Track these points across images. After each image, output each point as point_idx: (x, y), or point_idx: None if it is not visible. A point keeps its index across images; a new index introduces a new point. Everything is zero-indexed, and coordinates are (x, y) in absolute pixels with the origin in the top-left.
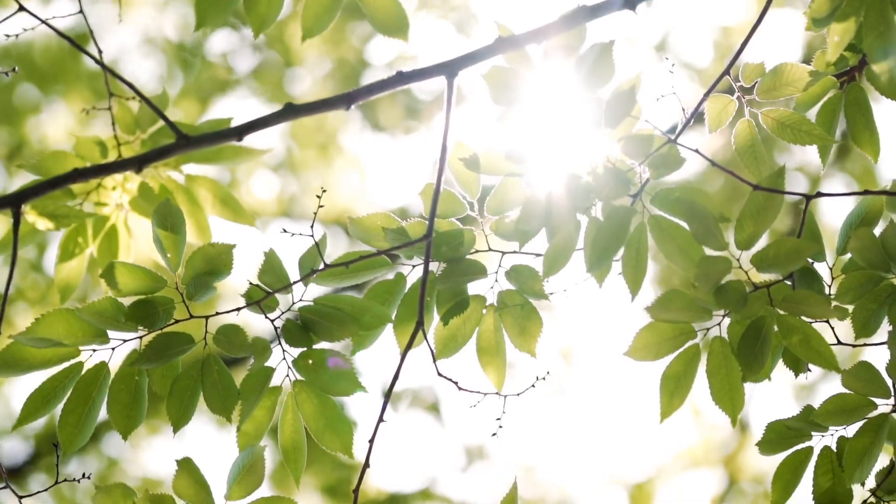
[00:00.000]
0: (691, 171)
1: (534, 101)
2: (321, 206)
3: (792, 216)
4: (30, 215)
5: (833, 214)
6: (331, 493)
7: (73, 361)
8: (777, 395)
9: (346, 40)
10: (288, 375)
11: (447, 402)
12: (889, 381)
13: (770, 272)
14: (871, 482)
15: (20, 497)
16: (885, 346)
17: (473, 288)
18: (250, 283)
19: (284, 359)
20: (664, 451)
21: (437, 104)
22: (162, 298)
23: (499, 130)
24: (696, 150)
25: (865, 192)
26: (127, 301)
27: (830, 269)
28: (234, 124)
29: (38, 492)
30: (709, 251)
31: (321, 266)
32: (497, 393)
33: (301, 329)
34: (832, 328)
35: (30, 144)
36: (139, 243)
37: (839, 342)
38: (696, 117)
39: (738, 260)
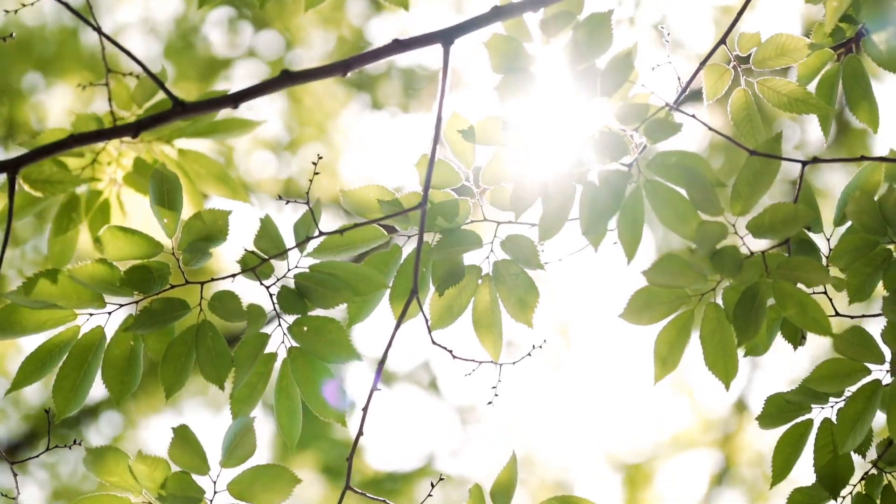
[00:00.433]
0: (689, 148)
1: (532, 69)
2: (317, 173)
3: (791, 198)
4: (25, 184)
5: (831, 197)
6: (329, 473)
7: (69, 325)
8: (778, 383)
9: (345, 20)
10: (283, 342)
11: (444, 379)
12: (884, 347)
13: (766, 238)
14: (872, 454)
15: (12, 463)
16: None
17: (469, 258)
18: (245, 250)
19: (280, 325)
20: (662, 433)
21: (436, 83)
22: (158, 264)
23: (497, 99)
24: (693, 116)
25: (862, 158)
26: (123, 266)
27: (828, 240)
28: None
29: (30, 458)
30: (705, 217)
31: (315, 233)
32: (492, 361)
33: (296, 296)
34: (830, 300)
35: (28, 125)
36: (133, 219)
37: (837, 314)
38: (694, 95)
39: (733, 226)
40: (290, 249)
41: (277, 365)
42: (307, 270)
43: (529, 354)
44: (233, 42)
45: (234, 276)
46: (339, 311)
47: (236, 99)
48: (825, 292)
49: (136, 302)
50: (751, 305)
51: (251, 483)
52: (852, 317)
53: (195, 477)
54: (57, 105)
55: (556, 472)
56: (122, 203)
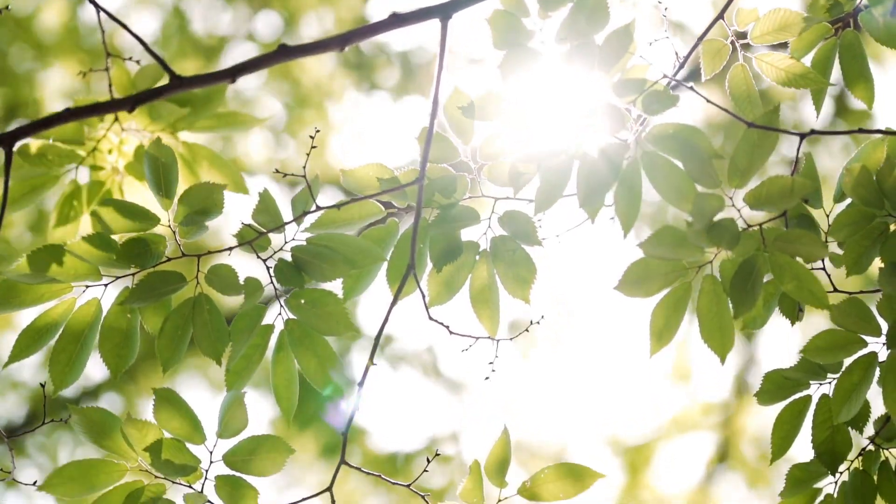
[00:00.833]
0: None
1: (532, 45)
2: (314, 147)
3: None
4: (22, 159)
5: (831, 178)
6: (330, 453)
7: (65, 298)
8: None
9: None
10: (280, 315)
11: (445, 360)
12: (880, 320)
13: (763, 210)
14: (870, 430)
15: (7, 437)
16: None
17: (467, 234)
18: (243, 223)
19: (277, 298)
20: (662, 414)
21: (434, 65)
22: (154, 237)
23: (497, 76)
24: (691, 87)
25: (860, 131)
26: (120, 240)
27: (828, 216)
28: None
29: (26, 431)
30: (702, 189)
31: (313, 207)
32: (488, 337)
33: (293, 269)
34: (828, 275)
35: (26, 107)
36: None
37: (835, 289)
38: (693, 75)
39: (731, 199)
40: (287, 223)
41: (274, 338)
42: (304, 244)
43: (527, 330)
44: (231, 24)
45: (230, 248)
46: (337, 287)
47: (234, 73)
48: (823, 268)
49: (133, 275)
50: (748, 278)
51: (247, 454)
52: (850, 293)
53: (191, 447)
54: (56, 90)
55: (555, 452)
56: (123, 192)
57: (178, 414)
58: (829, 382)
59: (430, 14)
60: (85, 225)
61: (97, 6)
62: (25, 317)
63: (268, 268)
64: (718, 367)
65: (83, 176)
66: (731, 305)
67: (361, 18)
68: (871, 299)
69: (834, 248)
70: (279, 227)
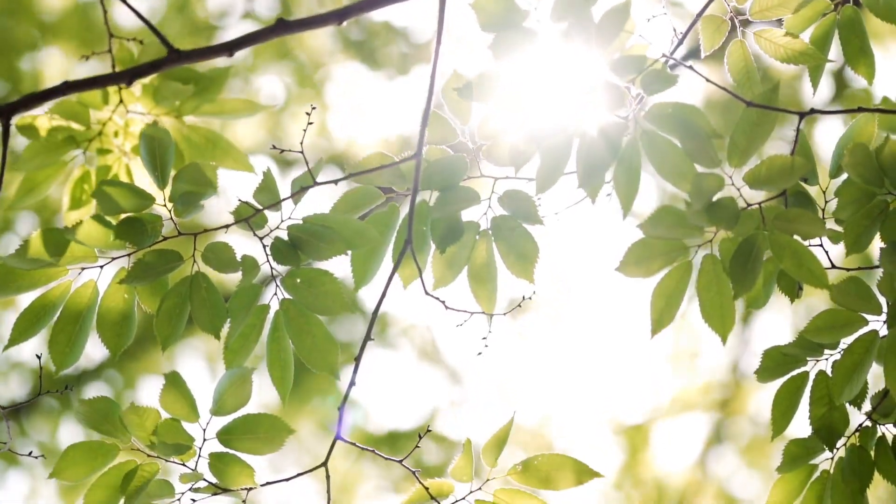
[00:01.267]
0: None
1: (526, 24)
2: (310, 123)
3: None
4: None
5: (827, 149)
6: (329, 430)
7: (61, 281)
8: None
9: None
10: (276, 294)
11: (444, 342)
12: (881, 298)
13: (763, 189)
14: (867, 406)
15: (4, 410)
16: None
17: (467, 215)
18: (240, 200)
19: (273, 277)
20: (660, 394)
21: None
22: (150, 216)
23: (489, 57)
24: (691, 67)
25: (859, 110)
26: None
27: (824, 192)
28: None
29: (21, 404)
30: (701, 168)
31: (311, 184)
32: (483, 312)
33: (289, 247)
34: (826, 252)
35: (28, 84)
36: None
37: (833, 266)
38: (691, 55)
39: (730, 178)
40: (284, 199)
41: (270, 318)
42: (300, 222)
43: (520, 305)
44: (229, 3)
45: (227, 226)
46: (333, 266)
47: (232, 47)
48: (821, 245)
49: (129, 255)
50: (748, 257)
51: (242, 432)
52: (848, 269)
53: (185, 425)
54: (58, 72)
55: (554, 432)
56: (130, 173)
57: (180, 396)
58: (827, 358)
59: None
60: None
61: None
62: (25, 299)
63: (264, 246)
64: (717, 347)
65: (91, 160)
66: (730, 285)
67: None
68: (865, 275)
69: (831, 224)
70: (276, 203)
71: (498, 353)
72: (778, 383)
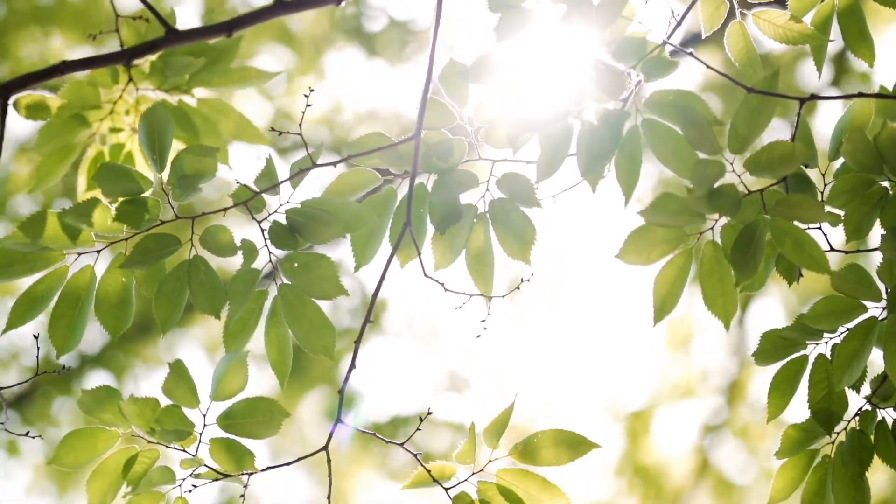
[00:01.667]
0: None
1: (526, 6)
2: (309, 105)
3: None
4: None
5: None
6: (331, 417)
7: (58, 265)
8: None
9: None
10: (274, 279)
11: (444, 327)
12: (881, 285)
13: (763, 176)
14: (866, 389)
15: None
16: (878, 252)
17: (465, 198)
18: (238, 183)
19: (271, 261)
20: (659, 380)
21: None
22: (147, 199)
23: (493, 38)
24: (691, 53)
25: (860, 95)
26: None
27: (823, 175)
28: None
29: (17, 384)
30: (702, 156)
31: (309, 166)
32: (482, 294)
33: (287, 231)
34: (825, 235)
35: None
36: None
37: (832, 249)
38: (691, 41)
39: (731, 165)
40: (282, 182)
41: (268, 303)
42: (298, 206)
43: (518, 288)
44: None
45: (225, 209)
46: (330, 250)
47: (230, 27)
48: (820, 228)
49: (126, 240)
50: (749, 244)
51: (241, 416)
52: (847, 252)
53: (185, 411)
54: (55, 54)
55: (552, 419)
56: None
57: (183, 384)
58: (826, 342)
59: None
60: None
61: None
62: (21, 285)
63: (262, 230)
64: (715, 332)
65: (104, 139)
66: (732, 272)
67: None
68: (862, 256)
69: (830, 207)
70: (274, 186)
71: (496, 336)
72: (777, 367)
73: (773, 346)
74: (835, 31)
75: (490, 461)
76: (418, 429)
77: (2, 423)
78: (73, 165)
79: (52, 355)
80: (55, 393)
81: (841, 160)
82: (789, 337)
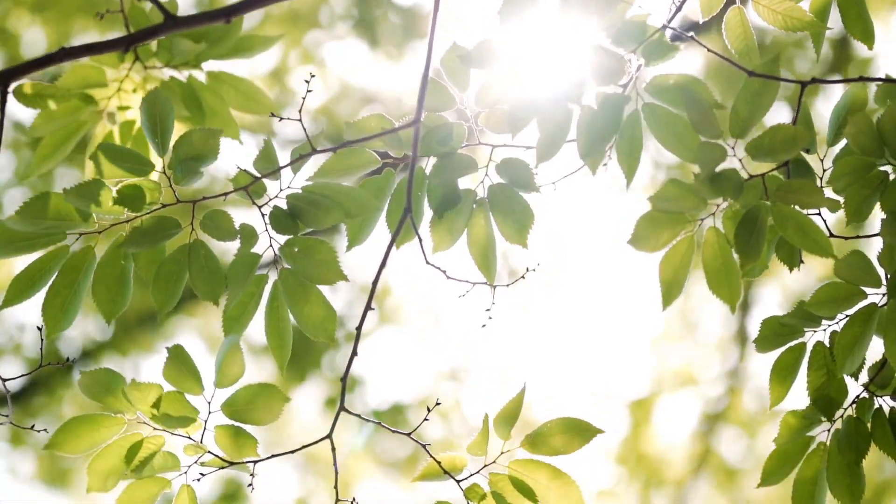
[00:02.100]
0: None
1: None
2: (310, 91)
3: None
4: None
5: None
6: (332, 405)
7: (59, 244)
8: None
9: None
10: (275, 263)
11: (442, 315)
12: (881, 271)
13: (765, 160)
14: (864, 377)
15: (4, 381)
16: (878, 237)
17: (464, 183)
18: (239, 168)
19: (271, 246)
20: (662, 368)
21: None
22: (148, 182)
23: (496, 22)
24: (692, 36)
25: (860, 79)
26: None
27: (822, 160)
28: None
29: (21, 375)
30: (704, 139)
31: (309, 151)
32: (485, 283)
33: (288, 216)
34: (824, 221)
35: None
36: None
37: (832, 234)
38: (689, 27)
39: (732, 149)
40: (283, 167)
41: (268, 288)
42: (299, 191)
43: (523, 277)
44: None
45: (225, 194)
46: (329, 236)
47: (229, 13)
48: (819, 213)
49: (127, 222)
50: (752, 228)
51: (245, 403)
52: (847, 238)
53: (189, 397)
54: (51, 41)
55: (556, 405)
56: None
57: (184, 369)
58: (825, 329)
59: None
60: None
61: None
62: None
63: (263, 215)
64: (716, 320)
65: (113, 117)
66: (735, 256)
67: None
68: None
69: (828, 192)
70: (274, 171)
71: (497, 323)
72: (777, 354)
73: (773, 332)
74: (834, 17)
75: (502, 453)
76: (426, 419)
77: (6, 416)
78: (78, 146)
79: (56, 346)
80: (59, 384)
81: (839, 146)
82: (789, 323)
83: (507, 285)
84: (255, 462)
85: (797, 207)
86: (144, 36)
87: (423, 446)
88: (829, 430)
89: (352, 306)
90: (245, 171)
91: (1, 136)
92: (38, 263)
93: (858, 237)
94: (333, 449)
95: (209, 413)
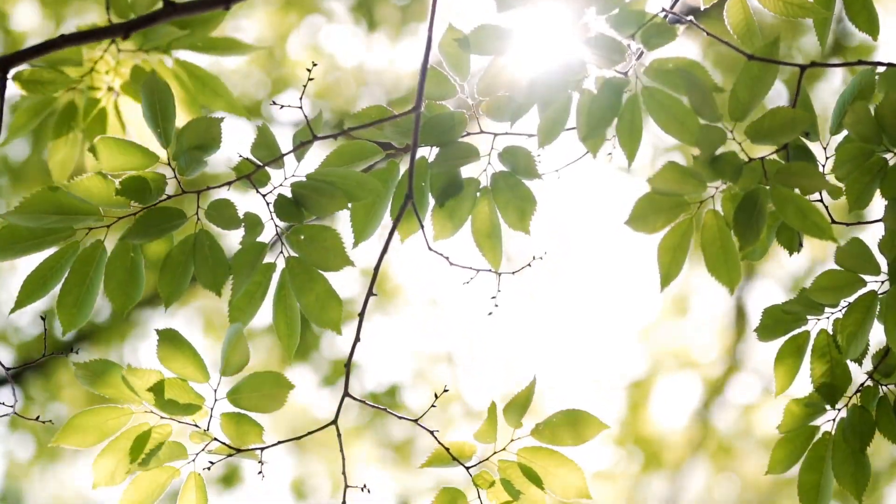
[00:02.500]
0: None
1: None
2: (311, 79)
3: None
4: (18, 85)
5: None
6: (329, 385)
7: (68, 241)
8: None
9: None
10: (282, 252)
11: (448, 302)
12: (880, 258)
13: (765, 143)
14: (868, 365)
15: (7, 370)
16: (880, 224)
17: (467, 171)
18: (241, 157)
19: (277, 234)
20: (660, 350)
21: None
22: (153, 174)
23: (493, 7)
24: (691, 20)
25: (859, 63)
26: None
27: (825, 148)
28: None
29: (27, 364)
30: (703, 122)
31: (311, 138)
32: (489, 270)
33: (292, 204)
34: (826, 207)
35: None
36: (130, 127)
37: (833, 221)
38: (688, 12)
39: (731, 132)
40: (285, 154)
41: (276, 276)
42: (303, 179)
43: (529, 265)
44: None
45: (229, 183)
46: (335, 223)
47: (227, 0)
48: (821, 199)
49: (134, 214)
50: (752, 210)
51: (250, 391)
52: (848, 224)
53: (195, 386)
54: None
55: (554, 390)
56: (119, 111)
57: (181, 353)
58: (828, 317)
59: None
60: (82, 144)
61: None
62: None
63: (267, 203)
64: (713, 303)
65: (82, 95)
66: (734, 238)
67: None
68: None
69: (831, 179)
70: (277, 158)
71: (497, 308)
72: (779, 341)
73: (775, 320)
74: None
75: (512, 440)
76: (433, 405)
77: (12, 407)
78: (45, 119)
79: (57, 331)
80: (57, 367)
81: (844, 133)
82: (791, 311)
83: (514, 273)
84: (263, 449)
85: (798, 192)
86: (144, 22)
87: (432, 433)
88: (833, 420)
89: (349, 289)
90: (247, 159)
91: (1, 121)
92: (50, 261)
93: (860, 223)
94: (339, 434)
95: (215, 401)
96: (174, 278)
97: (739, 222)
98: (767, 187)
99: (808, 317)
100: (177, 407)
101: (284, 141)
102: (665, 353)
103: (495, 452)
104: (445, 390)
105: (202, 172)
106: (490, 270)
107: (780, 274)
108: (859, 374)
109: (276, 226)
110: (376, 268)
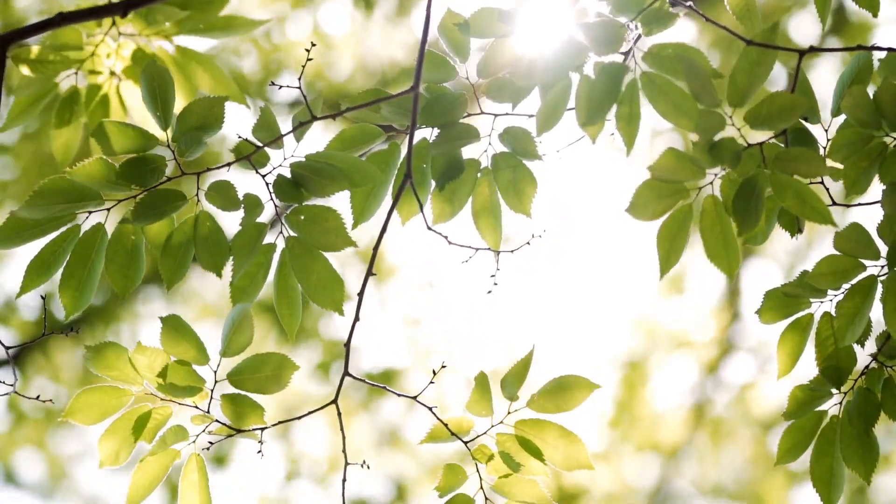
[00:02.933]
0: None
1: None
2: (310, 59)
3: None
4: (18, 64)
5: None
6: (324, 368)
7: (69, 226)
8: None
9: None
10: (282, 233)
11: (446, 281)
12: (880, 243)
13: (764, 128)
14: (871, 347)
15: (7, 349)
16: (878, 207)
17: (467, 152)
18: (240, 137)
19: (277, 215)
20: (658, 330)
21: None
22: (153, 156)
23: None
24: (691, 6)
25: (858, 48)
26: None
27: (826, 131)
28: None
29: (27, 344)
30: (702, 108)
31: (310, 118)
32: (488, 249)
33: (292, 185)
34: (826, 189)
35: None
36: (133, 111)
37: (834, 203)
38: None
39: (730, 118)
40: (285, 135)
41: (276, 257)
42: (303, 160)
43: (528, 243)
44: None
45: (229, 164)
46: (335, 203)
47: None
48: (822, 182)
49: (135, 197)
50: (750, 196)
51: (251, 372)
52: (848, 205)
53: (197, 369)
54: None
55: (555, 367)
56: (121, 96)
57: (183, 339)
58: (831, 300)
59: None
60: (84, 129)
61: None
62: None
63: (267, 184)
64: (711, 284)
65: (82, 81)
66: (734, 224)
67: None
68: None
69: (831, 162)
70: (276, 139)
71: (499, 289)
72: (784, 325)
73: (777, 303)
74: None
75: (509, 413)
76: (431, 382)
77: (11, 385)
78: (47, 105)
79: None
80: (56, 346)
81: (844, 117)
82: (793, 293)
83: (513, 251)
84: (263, 429)
85: (797, 177)
86: (143, 1)
87: (430, 409)
88: (840, 403)
89: (344, 268)
90: (247, 140)
91: (1, 99)
92: (52, 246)
93: (859, 205)
94: (339, 413)
95: (215, 382)
96: (175, 260)
97: (738, 208)
98: (767, 172)
99: (811, 300)
100: (177, 389)
101: (283, 119)
102: (660, 332)
103: (493, 426)
104: (443, 366)
105: (201, 154)
106: (489, 249)
107: (772, 251)
108: (863, 356)
109: (276, 206)
110: (375, 248)
